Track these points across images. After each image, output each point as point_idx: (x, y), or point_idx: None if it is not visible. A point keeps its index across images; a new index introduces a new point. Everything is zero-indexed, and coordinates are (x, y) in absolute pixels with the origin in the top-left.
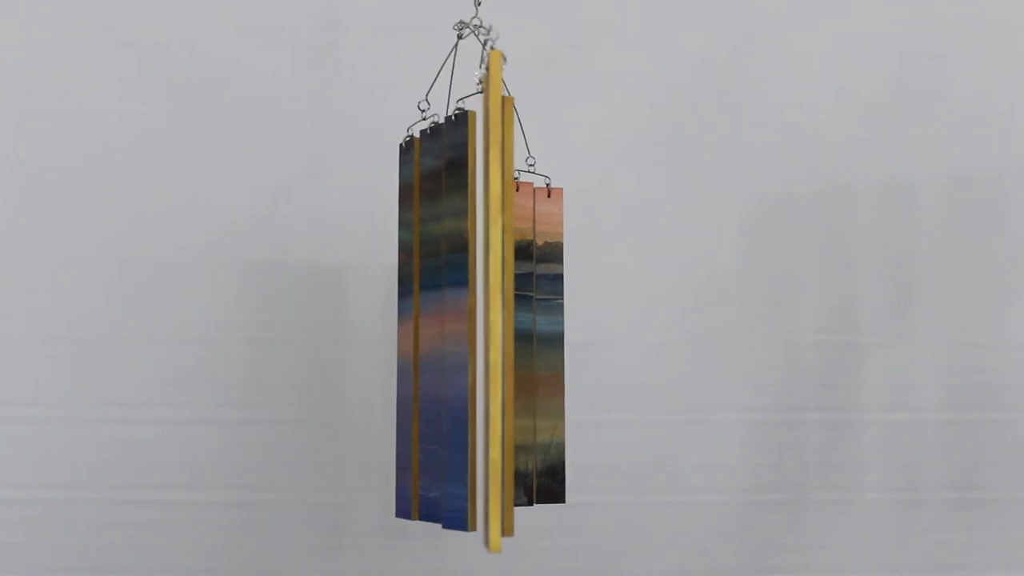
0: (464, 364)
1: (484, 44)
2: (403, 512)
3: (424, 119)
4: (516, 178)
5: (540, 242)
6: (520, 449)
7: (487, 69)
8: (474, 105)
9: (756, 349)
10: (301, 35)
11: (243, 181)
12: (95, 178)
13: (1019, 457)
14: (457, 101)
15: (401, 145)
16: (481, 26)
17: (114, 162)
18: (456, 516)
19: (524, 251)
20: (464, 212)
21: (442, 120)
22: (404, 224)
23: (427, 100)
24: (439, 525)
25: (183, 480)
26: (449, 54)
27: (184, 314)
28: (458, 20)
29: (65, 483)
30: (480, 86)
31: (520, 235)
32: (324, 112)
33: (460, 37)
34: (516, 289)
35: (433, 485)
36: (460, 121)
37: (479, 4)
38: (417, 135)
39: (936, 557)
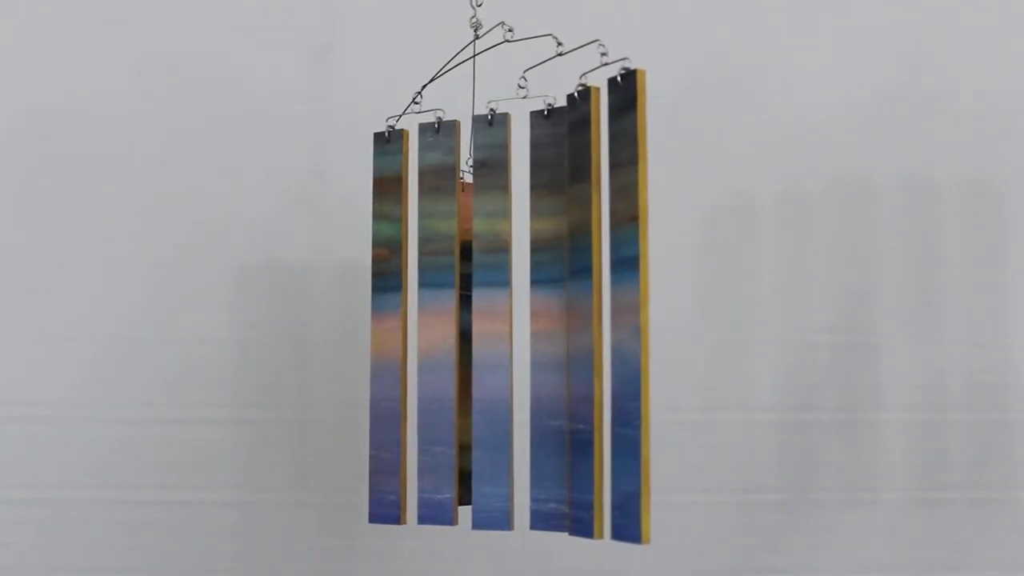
0: (505, 364)
1: (602, 57)
2: (384, 517)
3: (419, 112)
4: (461, 178)
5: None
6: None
7: (623, 80)
8: (508, 107)
9: (757, 349)
10: (301, 35)
11: (243, 181)
12: (93, 179)
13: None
14: (489, 103)
15: (383, 135)
16: (483, 23)
17: (112, 162)
18: (494, 516)
19: (469, 252)
20: (502, 213)
21: (446, 117)
22: (384, 217)
23: (421, 93)
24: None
25: (183, 480)
26: (471, 55)
27: (185, 314)
28: (474, 18)
29: (65, 483)
30: (523, 90)
31: (464, 236)
32: (324, 112)
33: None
34: (462, 290)
35: (441, 487)
36: (498, 122)
37: (479, 5)
38: (404, 127)
39: (938, 557)
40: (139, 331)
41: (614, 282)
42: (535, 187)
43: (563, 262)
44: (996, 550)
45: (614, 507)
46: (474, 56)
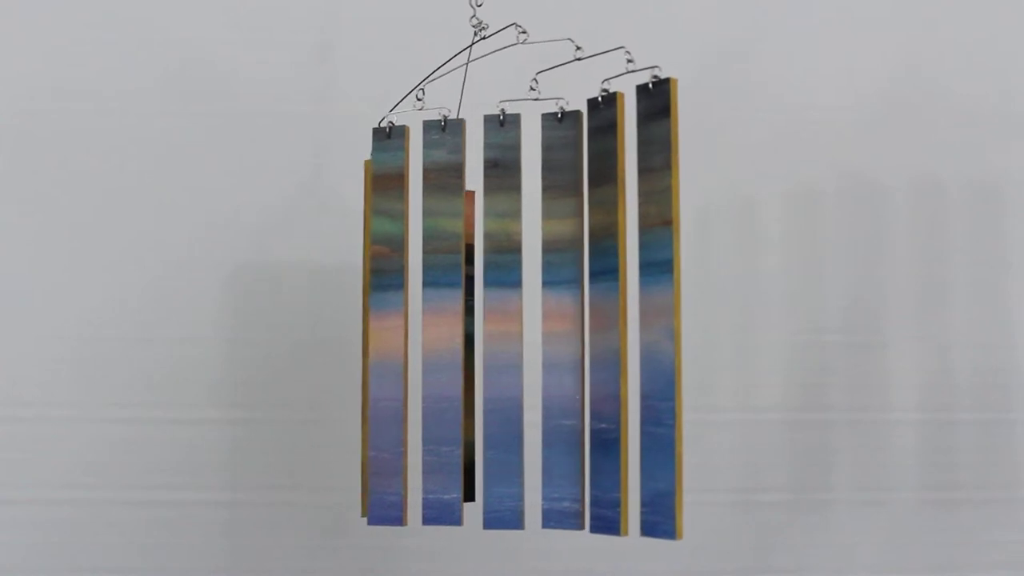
0: (516, 364)
1: (628, 64)
2: (385, 518)
3: (422, 110)
4: None
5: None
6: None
7: (655, 87)
8: (520, 108)
9: (756, 348)
10: (301, 35)
11: (243, 181)
12: (92, 178)
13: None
14: (500, 103)
15: (383, 130)
16: (484, 26)
17: (111, 163)
18: (505, 515)
19: (471, 258)
20: (513, 214)
21: (452, 115)
22: (385, 214)
23: (423, 89)
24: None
25: (183, 480)
26: (474, 56)
27: (183, 314)
28: (474, 18)
29: (65, 483)
30: (534, 91)
31: (468, 240)
32: (324, 112)
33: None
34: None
35: (449, 487)
36: (509, 123)
37: (479, 5)
38: (405, 124)
39: (942, 557)
40: (138, 331)
41: (644, 284)
42: (547, 189)
43: (576, 263)
44: (1001, 550)
45: (643, 504)
46: (469, 58)
